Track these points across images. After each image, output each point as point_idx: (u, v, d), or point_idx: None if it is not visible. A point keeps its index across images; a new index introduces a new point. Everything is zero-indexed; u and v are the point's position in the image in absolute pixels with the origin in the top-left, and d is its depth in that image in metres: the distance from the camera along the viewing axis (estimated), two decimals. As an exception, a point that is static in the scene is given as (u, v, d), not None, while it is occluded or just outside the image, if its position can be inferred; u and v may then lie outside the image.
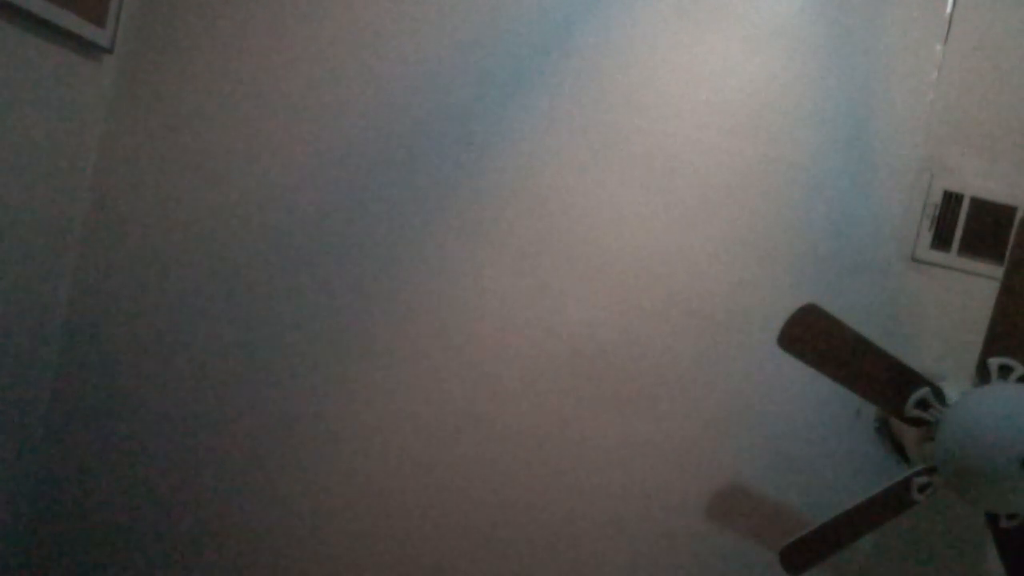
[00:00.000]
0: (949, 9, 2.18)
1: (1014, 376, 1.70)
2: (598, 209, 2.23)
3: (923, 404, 1.74)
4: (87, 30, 2.04)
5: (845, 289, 2.18)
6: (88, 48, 2.12)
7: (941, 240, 2.17)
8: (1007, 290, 1.69)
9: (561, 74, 2.24)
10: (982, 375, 1.73)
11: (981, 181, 2.17)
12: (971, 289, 2.15)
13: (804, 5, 2.21)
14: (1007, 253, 1.72)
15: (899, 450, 2.09)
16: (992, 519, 1.81)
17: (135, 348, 2.25)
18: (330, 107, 2.25)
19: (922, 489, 1.77)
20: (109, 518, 2.26)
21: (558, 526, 2.23)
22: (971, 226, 2.17)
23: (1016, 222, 1.72)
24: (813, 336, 1.75)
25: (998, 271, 1.94)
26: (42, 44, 1.95)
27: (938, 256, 2.18)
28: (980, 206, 2.17)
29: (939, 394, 1.74)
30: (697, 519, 2.20)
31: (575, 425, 2.22)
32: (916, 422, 1.77)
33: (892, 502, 1.81)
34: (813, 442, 2.19)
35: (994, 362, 1.71)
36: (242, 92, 2.26)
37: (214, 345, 2.25)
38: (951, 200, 2.18)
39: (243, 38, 2.26)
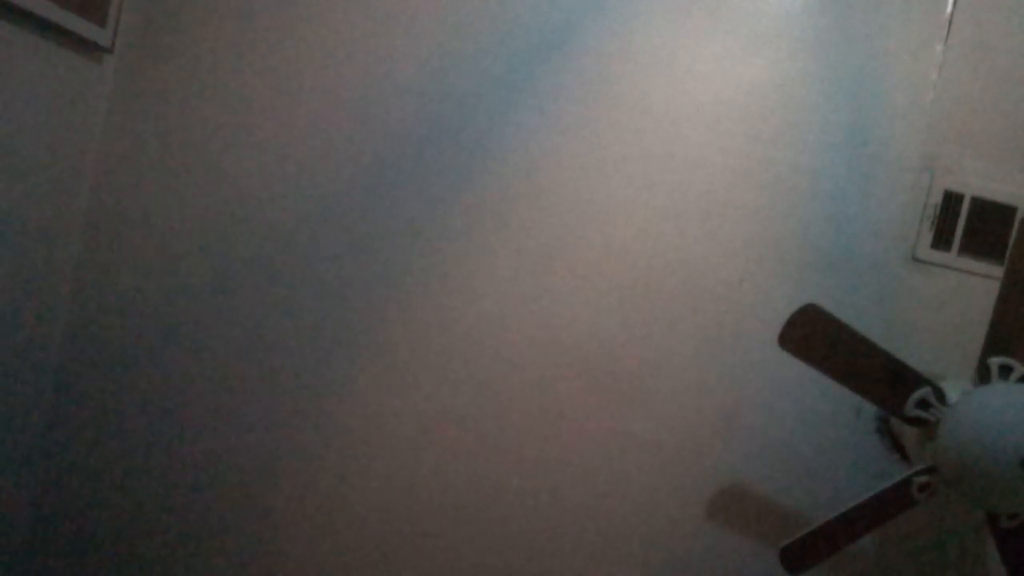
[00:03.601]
0: (949, 9, 2.18)
1: (1014, 376, 1.70)
2: (598, 209, 2.23)
3: (923, 404, 1.74)
4: (87, 30, 2.04)
5: (845, 289, 2.17)
6: (88, 48, 2.12)
7: (941, 240, 2.17)
8: (1007, 290, 1.69)
9: (562, 75, 2.24)
10: (982, 375, 1.73)
11: (981, 181, 2.17)
12: (971, 289, 2.15)
13: (804, 5, 2.21)
14: (1007, 253, 1.72)
15: (899, 450, 2.10)
16: (992, 519, 1.81)
17: (135, 348, 2.25)
18: (330, 107, 2.25)
19: (922, 489, 1.77)
20: (109, 518, 2.26)
21: (557, 526, 2.23)
22: (971, 226, 2.17)
23: (1016, 222, 1.73)
24: (813, 336, 1.75)
25: (998, 271, 1.93)
26: (42, 44, 1.95)
27: (938, 256, 2.18)
28: (980, 206, 2.17)
29: (939, 394, 1.74)
30: (697, 519, 2.20)
31: (574, 424, 2.22)
32: (916, 422, 1.77)
33: (892, 502, 1.81)
34: (813, 442, 2.19)
35: (994, 362, 1.71)
36: (242, 92, 2.25)
37: (214, 345, 2.25)
38: (951, 200, 2.18)
39: (243, 38, 2.26)
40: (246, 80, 2.25)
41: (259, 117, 2.25)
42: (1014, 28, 2.18)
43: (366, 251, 2.25)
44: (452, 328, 2.24)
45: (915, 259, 2.18)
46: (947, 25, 2.18)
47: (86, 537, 2.26)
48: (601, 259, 2.23)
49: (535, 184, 2.24)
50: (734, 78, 2.22)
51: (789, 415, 2.19)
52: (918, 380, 1.75)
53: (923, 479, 1.76)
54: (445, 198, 2.24)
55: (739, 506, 2.20)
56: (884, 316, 2.16)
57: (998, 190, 2.17)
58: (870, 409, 2.12)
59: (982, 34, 2.18)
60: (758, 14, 2.22)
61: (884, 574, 2.18)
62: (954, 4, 2.17)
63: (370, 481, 2.24)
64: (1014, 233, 1.68)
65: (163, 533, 2.26)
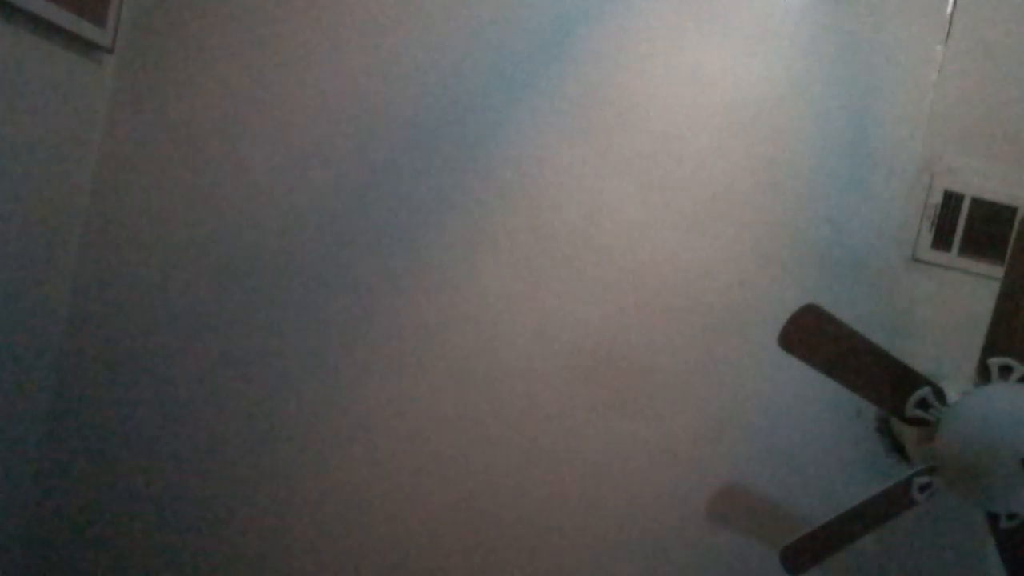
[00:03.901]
0: (949, 9, 2.18)
1: (1014, 376, 1.70)
2: (597, 210, 2.23)
3: (923, 404, 1.74)
4: (87, 30, 2.04)
5: (845, 289, 2.18)
6: (88, 48, 2.12)
7: (941, 240, 2.17)
8: (1007, 290, 1.69)
9: (561, 75, 2.24)
10: (982, 375, 1.73)
11: (981, 181, 2.17)
12: (971, 289, 2.15)
13: (804, 5, 2.21)
14: (1007, 253, 1.72)
15: (899, 450, 2.10)
16: (992, 519, 1.81)
17: (135, 348, 2.25)
18: (330, 108, 2.25)
19: (922, 489, 1.77)
20: (109, 518, 2.26)
21: (557, 525, 2.23)
22: (971, 226, 2.17)
23: (1016, 222, 1.73)
24: (813, 336, 1.75)
25: (998, 271, 1.93)
26: (42, 44, 1.95)
27: (938, 256, 2.18)
28: (980, 206, 2.17)
29: (939, 394, 1.74)
30: (697, 519, 2.20)
31: (574, 425, 2.22)
32: (916, 422, 1.77)
33: (892, 502, 1.81)
34: (813, 442, 2.19)
35: (994, 362, 1.71)
36: (242, 92, 2.25)
37: (213, 345, 2.25)
38: (951, 200, 2.18)
39: (243, 38, 2.26)
40: (246, 80, 2.25)
41: (259, 117, 2.25)
42: (1014, 28, 2.18)
43: (366, 250, 2.24)
44: (453, 328, 2.24)
45: (915, 259, 2.18)
46: (947, 25, 2.18)
47: (86, 537, 2.26)
48: (601, 259, 2.23)
49: (535, 184, 2.24)
50: (734, 78, 2.22)
51: (789, 415, 2.19)
52: (918, 380, 1.75)
53: (923, 479, 1.76)
54: (446, 198, 2.24)
55: (739, 506, 2.20)
56: (884, 316, 2.16)
57: (998, 190, 2.17)
58: (870, 409, 2.12)
59: (982, 34, 2.18)
60: (758, 15, 2.22)
61: (884, 574, 2.18)
62: (954, 4, 2.17)
63: (370, 480, 2.24)
64: (1014, 233, 1.68)
65: (164, 532, 2.25)
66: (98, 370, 2.25)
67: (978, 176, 2.17)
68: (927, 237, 2.18)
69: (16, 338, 2.08)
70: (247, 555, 2.25)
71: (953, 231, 2.17)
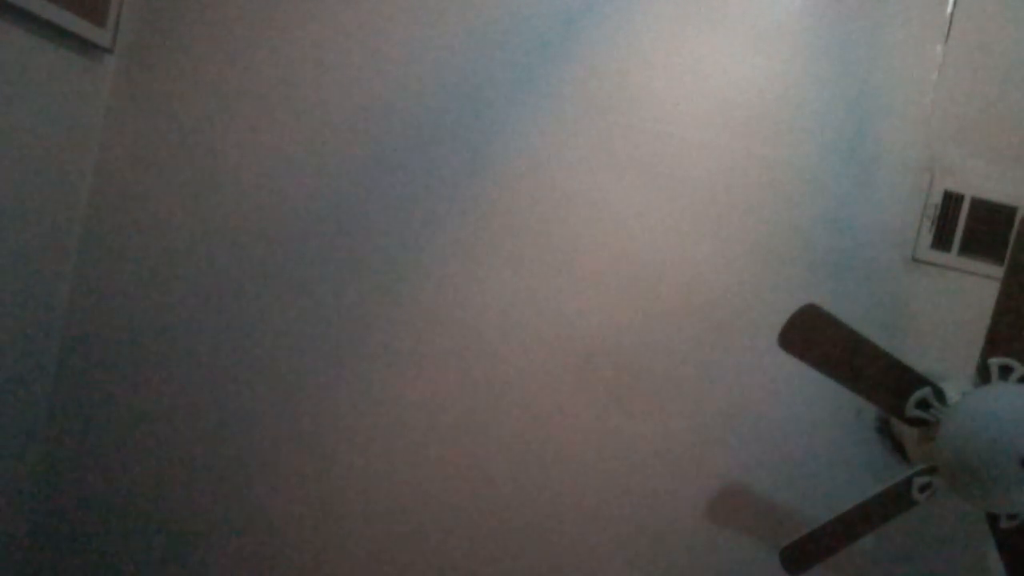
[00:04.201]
0: (949, 9, 2.18)
1: (1014, 376, 1.70)
2: (598, 209, 2.23)
3: (923, 404, 1.74)
4: (87, 30, 2.04)
5: (845, 289, 2.18)
6: (88, 48, 2.12)
7: (941, 240, 2.17)
8: (1007, 290, 1.69)
9: (562, 75, 2.24)
10: (982, 375, 1.73)
11: (981, 181, 2.17)
12: (971, 289, 2.15)
13: (804, 5, 2.21)
14: (1007, 253, 1.72)
15: (899, 450, 2.10)
16: (992, 519, 1.81)
17: (134, 348, 2.25)
18: (330, 108, 2.25)
19: (922, 489, 1.77)
20: (108, 518, 2.26)
21: (558, 526, 2.23)
22: (971, 226, 2.17)
23: (1016, 222, 1.73)
24: (813, 336, 1.75)
25: (998, 271, 1.94)
26: (42, 44, 1.95)
27: (938, 256, 2.18)
28: (980, 206, 2.17)
29: (939, 394, 1.74)
30: (697, 519, 2.20)
31: (575, 425, 2.22)
32: (916, 422, 1.77)
33: (892, 502, 1.81)
34: (813, 442, 2.19)
35: (994, 362, 1.71)
36: (242, 93, 2.25)
37: (213, 345, 2.25)
38: (951, 200, 2.18)
39: (243, 39, 2.26)
40: (246, 80, 2.25)
41: (259, 116, 2.25)
42: (1014, 28, 2.18)
43: (367, 251, 2.24)
44: (454, 329, 2.24)
45: (915, 259, 2.18)
46: (947, 25, 2.18)
47: (85, 536, 2.26)
48: (601, 260, 2.23)
49: (536, 185, 2.24)
50: (735, 78, 2.22)
51: (789, 416, 2.19)
52: (918, 380, 1.75)
53: (923, 479, 1.76)
54: (446, 197, 2.24)
55: (740, 506, 2.20)
56: (884, 316, 2.16)
57: (998, 190, 2.17)
58: (870, 409, 2.12)
59: (982, 34, 2.18)
60: (759, 15, 2.22)
61: (884, 574, 2.18)
62: (954, 4, 2.17)
63: (371, 480, 2.24)
64: (1014, 233, 1.68)
65: (163, 531, 2.26)
66: (98, 369, 2.25)
67: (978, 176, 2.17)
68: (927, 237, 2.18)
69: (16, 337, 2.08)
70: (247, 554, 2.25)
71: (953, 231, 2.17)
